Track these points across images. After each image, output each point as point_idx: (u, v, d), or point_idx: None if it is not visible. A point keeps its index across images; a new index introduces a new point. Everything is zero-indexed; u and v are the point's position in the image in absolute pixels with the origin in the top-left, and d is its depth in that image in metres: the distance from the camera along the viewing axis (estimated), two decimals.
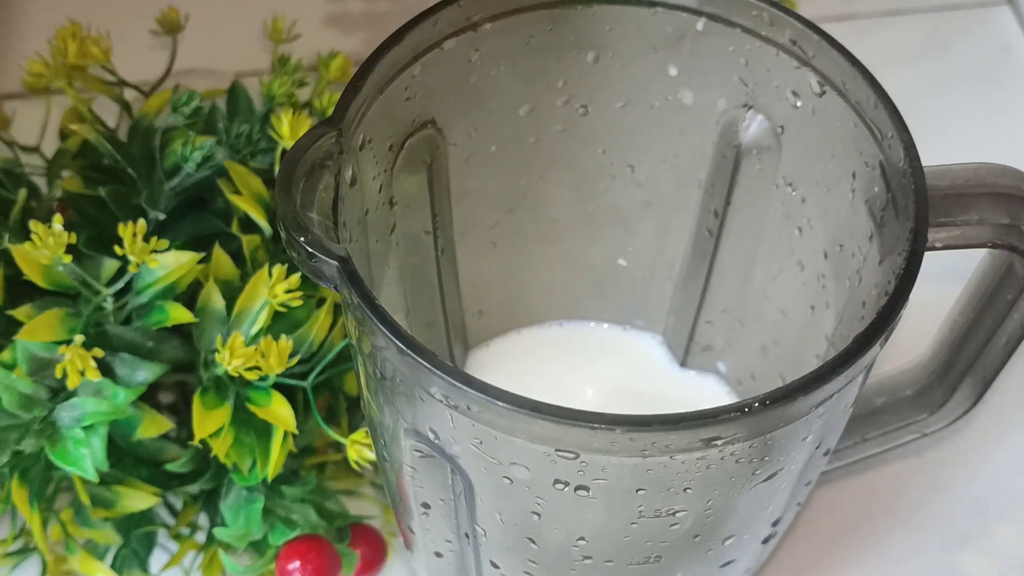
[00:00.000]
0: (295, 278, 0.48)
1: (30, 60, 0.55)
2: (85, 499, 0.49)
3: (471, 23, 0.45)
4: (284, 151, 0.52)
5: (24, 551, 0.52)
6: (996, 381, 0.49)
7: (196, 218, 0.53)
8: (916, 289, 0.39)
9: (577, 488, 0.39)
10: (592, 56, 0.47)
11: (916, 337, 0.50)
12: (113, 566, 0.51)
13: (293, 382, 0.49)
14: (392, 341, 0.37)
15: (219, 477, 0.51)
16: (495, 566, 0.45)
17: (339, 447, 0.53)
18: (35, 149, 0.57)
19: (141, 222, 0.48)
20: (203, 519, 0.53)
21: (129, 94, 0.58)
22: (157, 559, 0.53)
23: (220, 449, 0.48)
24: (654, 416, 0.36)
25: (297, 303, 0.48)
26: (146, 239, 0.48)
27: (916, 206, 0.40)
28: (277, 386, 0.49)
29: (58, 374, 0.46)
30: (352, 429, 0.52)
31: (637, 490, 0.39)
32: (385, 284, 0.48)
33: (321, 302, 0.50)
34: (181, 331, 0.50)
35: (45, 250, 0.47)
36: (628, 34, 0.46)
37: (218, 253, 0.50)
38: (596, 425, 0.36)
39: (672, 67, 0.47)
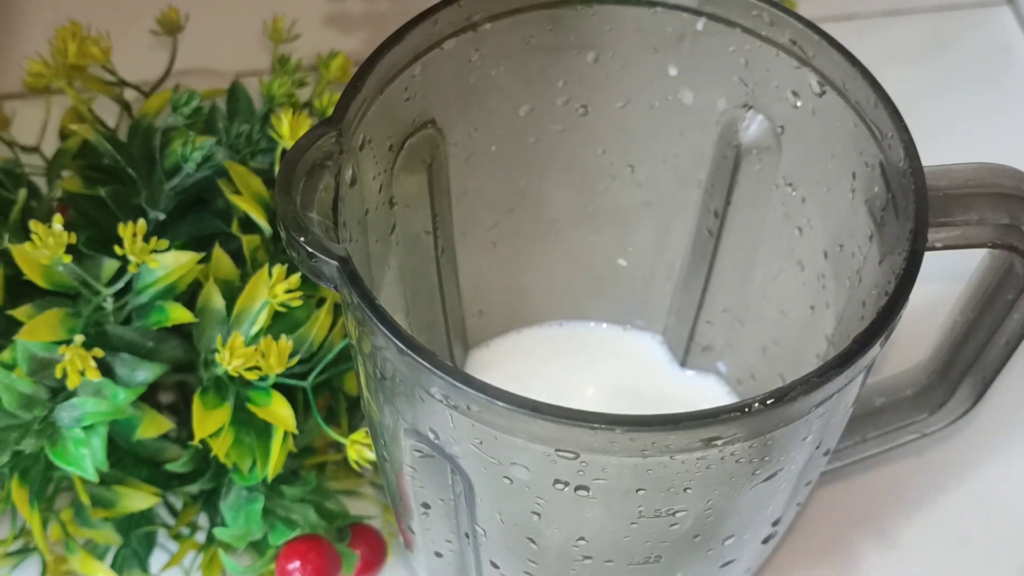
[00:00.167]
0: (295, 278, 0.48)
1: (30, 60, 0.55)
2: (85, 499, 0.49)
3: (471, 23, 0.45)
4: (284, 151, 0.52)
5: (24, 551, 0.52)
6: (996, 381, 0.49)
7: (196, 218, 0.53)
8: (916, 289, 0.39)
9: (577, 488, 0.39)
10: (592, 56, 0.47)
11: (916, 337, 0.50)
12: (113, 566, 0.51)
13: (293, 382, 0.49)
14: (392, 341, 0.37)
15: (219, 477, 0.51)
16: (495, 566, 0.45)
17: (339, 447, 0.53)
18: (35, 149, 0.57)
19: (141, 222, 0.48)
20: (203, 519, 0.53)
21: (129, 94, 0.58)
22: (157, 559, 0.53)
23: (220, 449, 0.48)
24: (654, 416, 0.36)
25: (297, 303, 0.48)
26: (146, 239, 0.48)
27: (916, 206, 0.40)
28: (277, 386, 0.49)
29: (58, 374, 0.46)
30: (352, 429, 0.52)
31: (637, 490, 0.39)
32: (385, 284, 0.48)
33: (321, 302, 0.50)
34: (181, 331, 0.50)
35: (45, 250, 0.47)
36: (628, 34, 0.46)
37: (218, 253, 0.50)
38: (596, 425, 0.36)
39: (672, 67, 0.47)
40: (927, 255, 0.40)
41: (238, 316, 0.49)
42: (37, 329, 0.47)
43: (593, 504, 0.40)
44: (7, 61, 0.68)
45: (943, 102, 0.69)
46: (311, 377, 0.49)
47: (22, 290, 0.49)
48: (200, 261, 0.49)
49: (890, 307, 0.38)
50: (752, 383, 0.54)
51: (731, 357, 0.55)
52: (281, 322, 0.49)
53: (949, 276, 0.47)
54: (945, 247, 0.41)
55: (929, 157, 0.41)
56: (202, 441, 0.48)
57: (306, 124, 0.52)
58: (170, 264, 0.48)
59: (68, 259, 0.47)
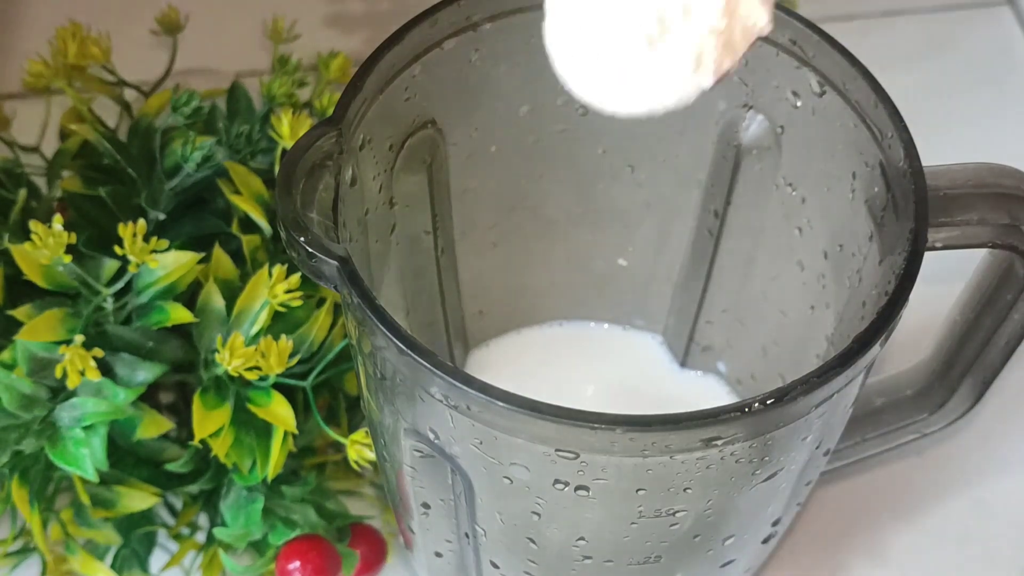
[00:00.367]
0: (295, 278, 0.48)
1: (30, 60, 0.55)
2: (85, 499, 0.49)
3: (471, 23, 0.45)
4: (284, 151, 0.52)
5: (24, 551, 0.52)
6: (996, 381, 0.49)
7: (196, 218, 0.53)
8: (916, 289, 0.39)
9: (577, 488, 0.39)
10: None
11: (916, 337, 0.50)
12: (113, 566, 0.51)
13: (293, 382, 0.49)
14: (392, 341, 0.37)
15: (219, 477, 0.51)
16: (495, 566, 0.45)
17: (339, 447, 0.53)
18: (35, 149, 0.57)
19: (141, 222, 0.48)
20: (203, 519, 0.53)
21: (129, 94, 0.58)
22: (157, 559, 0.53)
23: (220, 449, 0.48)
24: (654, 416, 0.36)
25: (297, 303, 0.48)
26: (146, 239, 0.48)
27: (916, 206, 0.40)
28: (277, 386, 0.49)
29: (58, 374, 0.46)
30: (352, 429, 0.52)
31: (637, 490, 0.39)
32: (385, 284, 0.48)
33: (321, 302, 0.50)
34: (181, 331, 0.50)
35: (45, 250, 0.47)
36: None
37: (218, 253, 0.50)
38: (596, 425, 0.36)
39: None
40: (927, 255, 0.40)
41: (238, 316, 0.49)
42: (37, 329, 0.47)
43: (593, 504, 0.40)
44: (7, 61, 0.68)
45: (943, 102, 0.69)
46: (311, 377, 0.49)
47: (22, 290, 0.49)
48: (200, 261, 0.49)
49: (890, 307, 0.38)
50: (752, 383, 0.54)
51: (731, 357, 0.55)
52: (281, 322, 0.49)
53: (949, 276, 0.47)
54: (945, 247, 0.41)
55: (929, 157, 0.41)
56: (202, 441, 0.48)
57: (306, 124, 0.52)
58: (170, 264, 0.48)
59: (68, 259, 0.47)
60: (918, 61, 0.71)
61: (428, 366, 0.37)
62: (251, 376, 0.47)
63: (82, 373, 0.46)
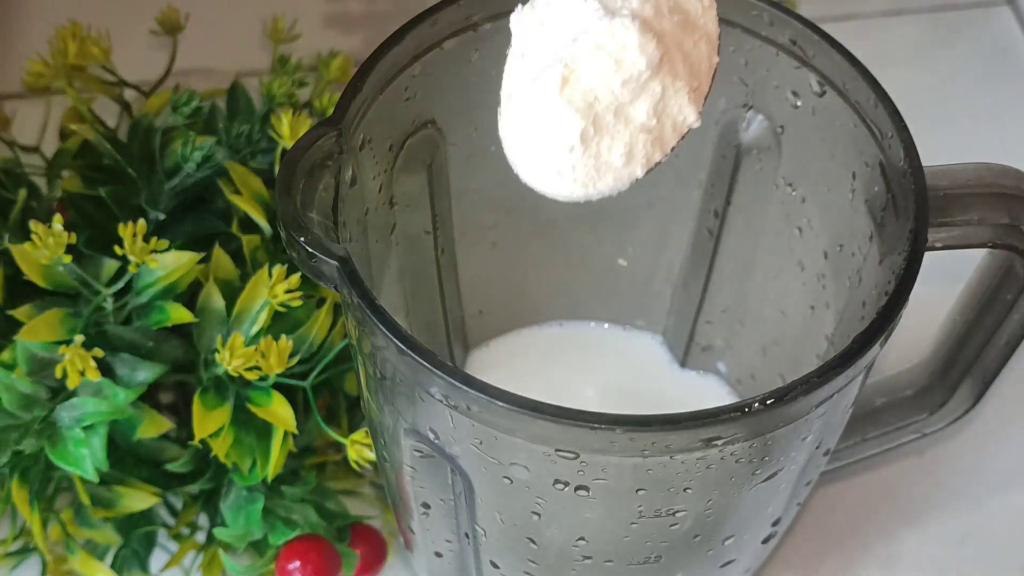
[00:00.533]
0: (295, 278, 0.48)
1: (30, 60, 0.55)
2: (85, 499, 0.49)
3: (471, 23, 0.45)
4: (284, 151, 0.52)
5: (24, 551, 0.52)
6: (996, 381, 0.49)
7: (196, 218, 0.53)
8: (916, 289, 0.39)
9: (577, 488, 0.39)
10: None
11: (916, 337, 0.50)
12: (113, 566, 0.51)
13: (293, 382, 0.49)
14: (392, 341, 0.37)
15: (219, 477, 0.51)
16: (495, 566, 0.45)
17: (339, 447, 0.53)
18: (35, 149, 0.57)
19: (141, 222, 0.48)
20: (203, 519, 0.53)
21: (129, 94, 0.58)
22: (157, 559, 0.53)
23: (220, 449, 0.48)
24: (654, 416, 0.36)
25: (297, 303, 0.48)
26: (146, 239, 0.48)
27: (916, 206, 0.40)
28: (277, 386, 0.49)
29: (58, 374, 0.46)
30: (352, 429, 0.52)
31: (637, 490, 0.39)
32: (385, 284, 0.48)
33: (321, 302, 0.50)
34: (181, 331, 0.50)
35: (45, 250, 0.47)
36: None
37: (218, 253, 0.50)
38: (596, 425, 0.36)
39: None
40: (927, 255, 0.40)
41: (238, 316, 0.49)
42: (37, 329, 0.47)
43: (593, 504, 0.40)
44: (7, 61, 0.68)
45: (943, 102, 0.69)
46: (311, 377, 0.49)
47: (22, 290, 0.49)
48: (200, 261, 0.49)
49: (890, 307, 0.38)
50: (752, 383, 0.54)
51: (731, 357, 0.55)
52: (281, 322, 0.49)
53: (949, 276, 0.47)
54: (945, 247, 0.41)
55: (929, 157, 0.41)
56: (202, 441, 0.48)
57: (306, 124, 0.52)
58: (170, 264, 0.48)
59: (68, 259, 0.47)
60: (918, 61, 0.71)
61: (428, 366, 0.37)
62: (251, 376, 0.47)
63: (82, 373, 0.46)
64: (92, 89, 0.57)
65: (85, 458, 0.47)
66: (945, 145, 0.46)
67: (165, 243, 0.48)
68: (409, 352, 0.37)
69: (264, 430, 0.49)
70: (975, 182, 0.42)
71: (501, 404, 0.36)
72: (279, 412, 0.48)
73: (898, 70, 0.61)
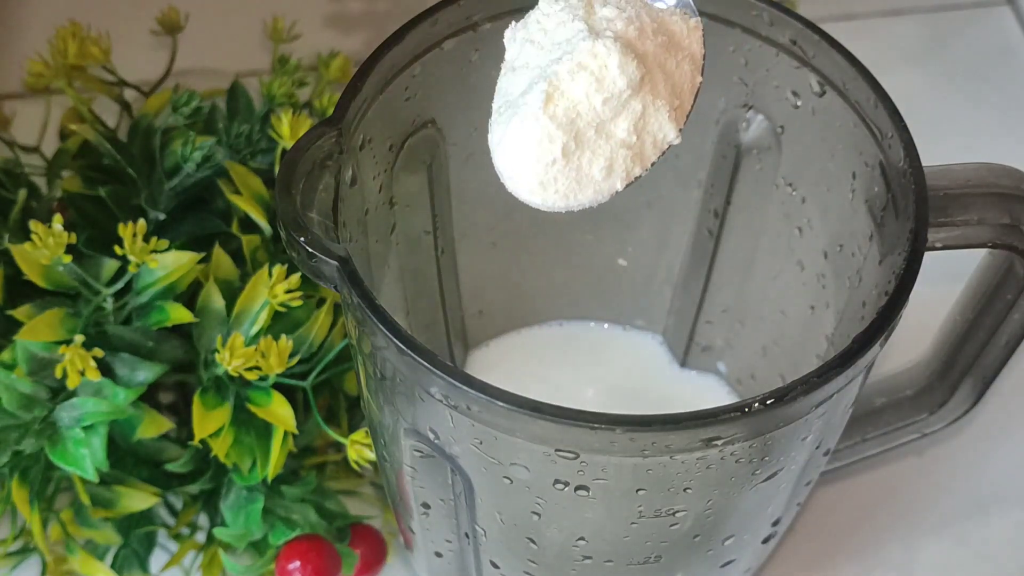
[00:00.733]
0: (295, 278, 0.48)
1: (30, 60, 0.55)
2: (85, 499, 0.49)
3: (471, 23, 0.45)
4: (284, 151, 0.52)
5: (24, 551, 0.52)
6: (996, 381, 0.49)
7: (196, 218, 0.53)
8: (916, 289, 0.39)
9: (577, 488, 0.39)
10: None
11: (916, 337, 0.50)
12: (113, 566, 0.51)
13: (293, 382, 0.49)
14: (392, 341, 0.37)
15: (219, 477, 0.51)
16: (495, 566, 0.45)
17: (339, 447, 0.53)
18: (35, 149, 0.57)
19: (141, 222, 0.48)
20: (203, 519, 0.53)
21: (129, 94, 0.58)
22: (157, 559, 0.53)
23: (220, 449, 0.48)
24: (654, 416, 0.36)
25: (297, 303, 0.48)
26: (146, 239, 0.48)
27: (916, 206, 0.40)
28: (277, 386, 0.49)
29: (58, 374, 0.46)
30: (352, 429, 0.52)
31: (637, 490, 0.39)
32: (385, 284, 0.48)
33: (321, 302, 0.50)
34: (181, 331, 0.50)
35: (45, 250, 0.47)
36: None
37: (218, 253, 0.50)
38: (596, 425, 0.36)
39: None
40: (927, 255, 0.40)
41: (238, 316, 0.49)
42: (37, 329, 0.47)
43: (593, 504, 0.40)
44: (7, 61, 0.68)
45: (943, 102, 0.69)
46: (311, 377, 0.49)
47: (22, 290, 0.49)
48: (200, 261, 0.49)
49: (890, 307, 0.38)
50: (752, 383, 0.54)
51: (731, 357, 0.55)
52: (281, 322, 0.49)
53: (949, 276, 0.47)
54: (945, 247, 0.41)
55: (929, 157, 0.41)
56: (202, 441, 0.48)
57: (306, 124, 0.52)
58: (170, 264, 0.48)
59: (68, 259, 0.47)
60: (918, 61, 0.71)
61: (428, 366, 0.37)
62: (251, 376, 0.47)
63: (82, 373, 0.46)
64: (92, 89, 0.57)
65: (85, 458, 0.47)
66: (945, 145, 0.46)
67: (165, 243, 0.48)
68: (409, 352, 0.37)
69: (264, 430, 0.49)
70: (975, 182, 0.42)
71: (501, 404, 0.36)
72: (279, 412, 0.48)
73: (898, 70, 0.61)
